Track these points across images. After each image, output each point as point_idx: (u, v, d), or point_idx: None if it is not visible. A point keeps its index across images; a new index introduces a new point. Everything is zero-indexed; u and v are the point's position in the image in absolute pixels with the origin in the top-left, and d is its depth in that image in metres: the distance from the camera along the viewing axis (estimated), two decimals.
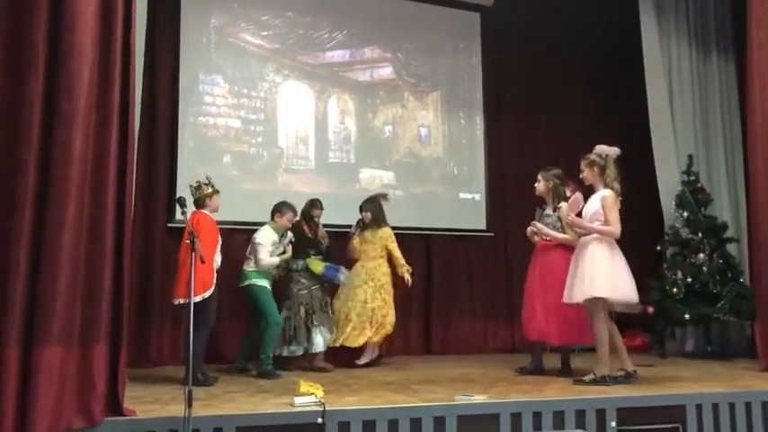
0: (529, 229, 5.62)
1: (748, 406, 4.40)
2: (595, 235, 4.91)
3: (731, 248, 6.97)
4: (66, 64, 3.48)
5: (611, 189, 4.97)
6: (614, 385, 4.74)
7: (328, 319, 5.97)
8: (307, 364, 5.85)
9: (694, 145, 7.34)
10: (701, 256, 6.77)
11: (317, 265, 5.95)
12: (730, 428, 4.35)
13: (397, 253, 6.27)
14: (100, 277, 3.55)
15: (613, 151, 5.14)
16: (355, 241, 6.31)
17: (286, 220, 5.76)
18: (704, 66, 7.56)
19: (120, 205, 3.73)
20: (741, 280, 6.78)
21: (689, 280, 6.68)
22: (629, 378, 4.88)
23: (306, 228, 6.04)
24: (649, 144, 7.24)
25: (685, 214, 6.95)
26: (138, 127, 5.16)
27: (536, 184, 5.69)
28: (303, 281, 5.92)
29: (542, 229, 5.51)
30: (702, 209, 6.99)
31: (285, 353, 5.80)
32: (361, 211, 6.36)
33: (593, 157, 5.13)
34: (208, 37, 6.89)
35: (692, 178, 7.08)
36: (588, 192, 5.23)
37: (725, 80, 7.54)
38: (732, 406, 4.39)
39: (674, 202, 7.09)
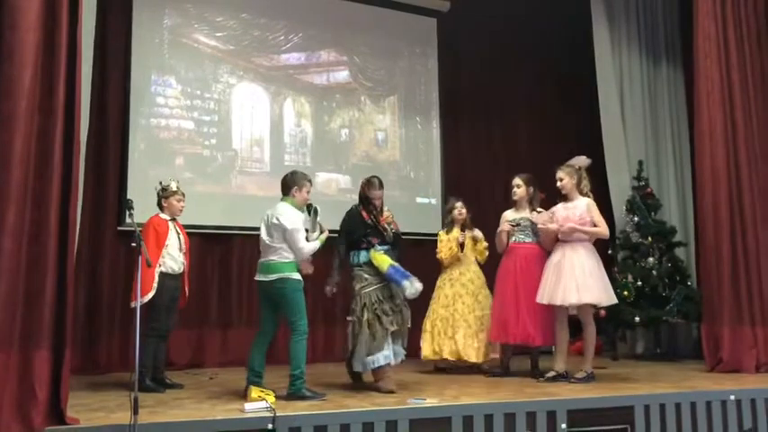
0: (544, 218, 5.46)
1: (693, 406, 4.51)
2: (580, 240, 5.21)
3: (680, 252, 7.14)
4: (5, 64, 3.40)
5: (588, 197, 5.36)
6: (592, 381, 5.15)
7: (402, 325, 4.91)
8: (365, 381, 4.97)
9: (644, 151, 7.51)
10: (651, 259, 6.91)
11: (382, 260, 4.85)
12: (676, 428, 4.44)
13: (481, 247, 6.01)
14: (41, 282, 3.47)
15: (586, 162, 5.50)
16: (450, 247, 5.91)
17: (306, 192, 4.73)
18: (654, 74, 7.73)
19: (65, 209, 3.64)
20: (689, 283, 6.95)
21: (639, 283, 6.80)
22: (563, 378, 5.21)
23: (364, 213, 5.07)
24: (601, 150, 7.36)
25: (636, 219, 7.09)
26: (86, 128, 5.07)
27: (516, 189, 5.71)
28: (366, 276, 4.88)
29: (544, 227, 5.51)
30: (652, 213, 7.14)
31: (360, 367, 4.86)
32: (450, 210, 6.07)
33: (571, 168, 5.39)
34: (160, 37, 6.77)
35: (643, 183, 7.23)
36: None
37: (673, 88, 7.72)
38: (678, 406, 4.49)
39: (624, 207, 7.23)
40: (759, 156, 6.03)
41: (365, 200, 5.12)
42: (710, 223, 5.93)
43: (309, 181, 4.79)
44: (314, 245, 4.63)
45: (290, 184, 4.69)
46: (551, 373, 5.22)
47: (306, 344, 4.54)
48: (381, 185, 5.12)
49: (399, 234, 5.15)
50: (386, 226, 5.03)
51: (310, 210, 4.78)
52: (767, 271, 5.86)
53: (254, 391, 4.19)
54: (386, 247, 4.99)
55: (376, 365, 4.76)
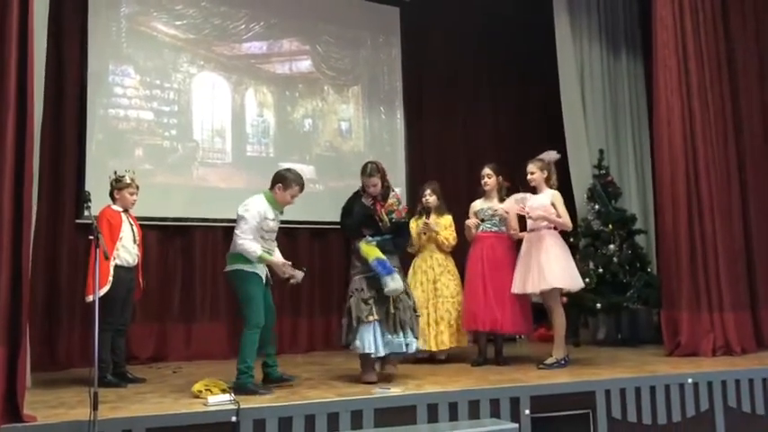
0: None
1: (653, 389, 4.61)
2: (546, 229, 5.33)
3: (640, 240, 7.24)
4: None
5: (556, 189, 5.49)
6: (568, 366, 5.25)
7: (390, 316, 4.67)
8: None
9: (605, 140, 7.59)
10: (612, 247, 6.99)
11: (369, 251, 4.69)
12: (636, 411, 4.54)
13: (451, 240, 5.85)
14: None
15: (556, 157, 5.64)
16: (415, 229, 5.77)
17: (289, 195, 4.51)
18: (614, 64, 7.82)
19: (18, 201, 3.55)
20: (649, 270, 7.05)
21: (600, 270, 6.89)
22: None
23: (364, 200, 4.90)
24: (563, 139, 7.43)
25: (596, 207, 7.17)
26: (41, 119, 4.94)
27: (488, 179, 5.75)
28: (357, 263, 4.79)
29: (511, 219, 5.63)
30: (613, 201, 7.22)
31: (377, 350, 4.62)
32: (420, 197, 5.96)
33: (542, 162, 5.51)
34: (118, 25, 6.60)
35: (603, 172, 7.30)
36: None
37: (633, 78, 7.83)
38: (638, 390, 4.58)
39: (585, 195, 7.31)
40: (715, 143, 6.16)
41: (362, 188, 4.92)
42: (669, 210, 6.04)
43: (300, 185, 4.54)
44: (254, 247, 4.37)
45: (277, 179, 4.54)
46: (550, 360, 5.27)
47: (256, 338, 4.40)
48: (374, 172, 4.80)
49: (404, 222, 4.94)
50: (383, 215, 4.81)
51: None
52: (724, 257, 5.98)
53: (199, 385, 4.16)
54: (385, 237, 4.81)
55: (355, 350, 4.64)
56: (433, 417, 4.06)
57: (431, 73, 8.27)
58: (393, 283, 4.59)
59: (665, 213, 6.09)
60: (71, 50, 6.33)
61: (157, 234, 6.45)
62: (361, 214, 4.82)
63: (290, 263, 4.65)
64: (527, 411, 4.25)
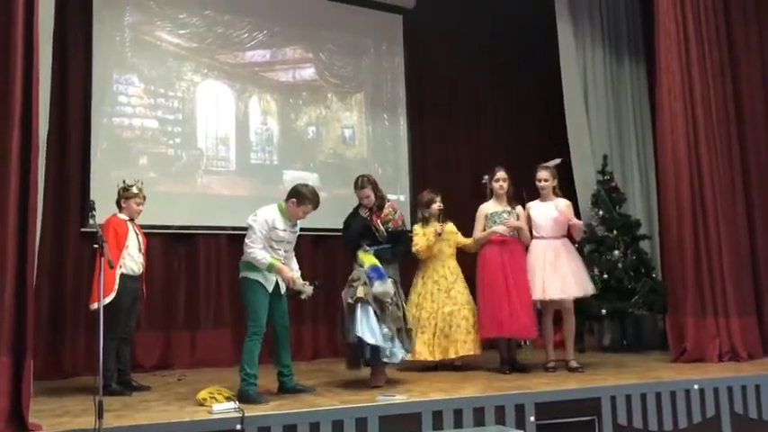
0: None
1: (658, 396, 4.60)
2: (563, 236, 5.52)
3: (644, 245, 7.22)
4: None
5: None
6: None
7: (376, 322, 4.74)
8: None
9: (609, 145, 7.58)
10: (616, 252, 6.98)
11: (365, 259, 4.89)
12: (642, 418, 4.53)
13: (465, 240, 5.83)
14: (0, 287, 3.38)
15: (557, 161, 5.77)
16: (427, 238, 5.68)
17: (301, 212, 4.55)
18: (617, 69, 7.82)
19: (23, 210, 3.57)
20: (654, 275, 7.04)
21: (605, 276, 6.87)
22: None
23: (360, 212, 5.14)
24: (566, 145, 7.43)
25: (601, 212, 7.16)
26: (46, 128, 4.97)
27: (503, 183, 5.68)
28: (355, 267, 4.99)
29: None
30: (617, 207, 7.20)
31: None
32: (429, 203, 5.81)
33: (553, 169, 5.65)
34: (122, 35, 6.65)
35: (607, 177, 7.29)
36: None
37: (636, 83, 7.82)
38: (644, 396, 4.57)
39: (589, 201, 7.30)
40: (719, 148, 6.14)
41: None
42: (673, 216, 6.02)
43: (315, 204, 4.56)
44: (262, 255, 4.40)
45: (292, 193, 4.57)
46: (552, 364, 5.42)
47: (257, 345, 4.43)
48: (365, 184, 5.07)
49: (401, 231, 5.12)
50: (378, 226, 5.02)
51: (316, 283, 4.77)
52: (729, 262, 5.95)
53: (204, 393, 4.16)
54: (383, 246, 5.00)
55: (352, 340, 4.70)
56: (437, 424, 4.05)
57: (433, 78, 8.28)
58: (381, 286, 4.74)
59: (669, 218, 6.08)
60: (76, 60, 6.38)
61: (162, 242, 6.47)
62: (358, 225, 5.07)
63: (299, 275, 4.70)
64: (532, 418, 4.24)
